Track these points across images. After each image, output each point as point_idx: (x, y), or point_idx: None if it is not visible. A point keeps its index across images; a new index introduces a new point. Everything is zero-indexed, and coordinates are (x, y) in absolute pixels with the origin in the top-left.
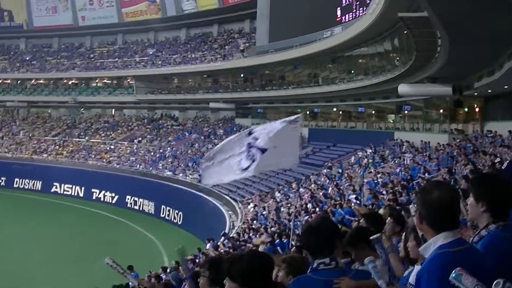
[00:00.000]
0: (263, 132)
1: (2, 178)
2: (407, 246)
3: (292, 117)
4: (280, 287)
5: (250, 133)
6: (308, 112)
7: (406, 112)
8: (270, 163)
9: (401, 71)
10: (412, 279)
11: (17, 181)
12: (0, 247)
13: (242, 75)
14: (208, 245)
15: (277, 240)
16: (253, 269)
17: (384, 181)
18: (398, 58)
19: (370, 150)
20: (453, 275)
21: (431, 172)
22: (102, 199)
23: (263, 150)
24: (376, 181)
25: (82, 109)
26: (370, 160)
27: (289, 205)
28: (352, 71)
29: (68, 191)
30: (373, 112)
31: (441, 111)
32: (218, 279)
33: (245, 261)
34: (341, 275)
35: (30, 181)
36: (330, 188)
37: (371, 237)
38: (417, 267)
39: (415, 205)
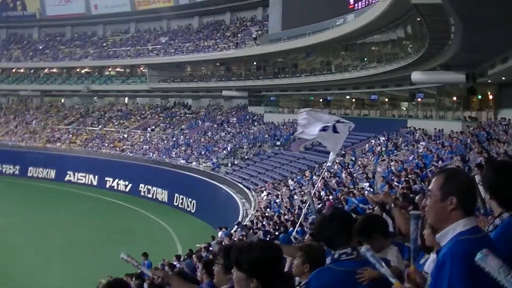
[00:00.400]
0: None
1: (16, 167)
2: (423, 234)
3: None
4: (287, 277)
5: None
6: (321, 100)
7: (419, 99)
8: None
9: (414, 59)
10: (428, 268)
11: (31, 170)
12: (14, 235)
13: (255, 63)
14: (220, 233)
15: (291, 228)
16: (262, 259)
17: (398, 169)
18: (411, 46)
19: (383, 138)
20: (479, 255)
21: (445, 160)
22: (115, 187)
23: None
24: (389, 169)
25: (95, 97)
26: (383, 148)
27: (302, 193)
28: (365, 59)
29: (82, 179)
30: (386, 99)
31: (455, 98)
32: (230, 266)
33: (254, 251)
34: (362, 265)
35: (44, 169)
36: (343, 176)
37: (412, 212)
38: (432, 255)
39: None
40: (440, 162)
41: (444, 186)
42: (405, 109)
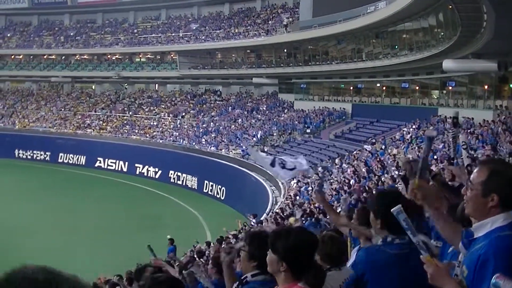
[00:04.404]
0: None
1: (47, 153)
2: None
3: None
4: (319, 268)
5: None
6: (351, 88)
7: (450, 88)
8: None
9: (445, 47)
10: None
11: (61, 156)
12: (45, 220)
13: (285, 50)
14: (252, 221)
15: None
16: (298, 246)
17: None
18: (442, 33)
19: (414, 126)
20: None
21: (476, 148)
22: (145, 174)
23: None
24: (419, 157)
25: (126, 84)
26: (414, 136)
27: (331, 181)
28: (396, 47)
29: (112, 166)
30: (417, 87)
31: (486, 87)
32: (257, 254)
33: (292, 236)
34: (413, 250)
35: (74, 156)
36: (373, 164)
37: (427, 132)
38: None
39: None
40: (470, 151)
41: (486, 182)
42: (436, 97)
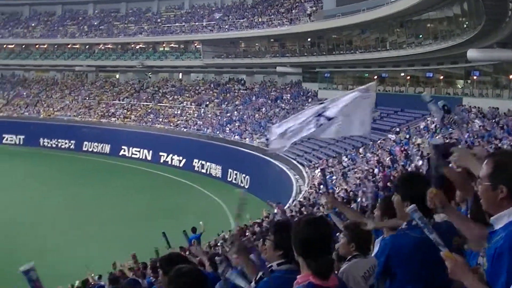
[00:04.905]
0: (333, 104)
1: (71, 142)
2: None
3: (363, 87)
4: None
5: (321, 104)
6: (375, 77)
7: (475, 77)
8: (337, 130)
9: (470, 36)
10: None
11: (86, 145)
12: (69, 207)
13: (309, 39)
14: (275, 210)
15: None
16: (308, 237)
17: None
18: (467, 23)
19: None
20: None
21: (501, 138)
22: (169, 162)
23: (329, 119)
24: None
25: (150, 73)
26: (438, 126)
27: (355, 170)
28: (421, 36)
29: (136, 154)
30: (442, 77)
31: (511, 76)
32: (283, 243)
33: (304, 227)
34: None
35: (99, 144)
36: (397, 154)
37: (432, 141)
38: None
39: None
40: (495, 140)
41: (493, 174)
42: (460, 87)
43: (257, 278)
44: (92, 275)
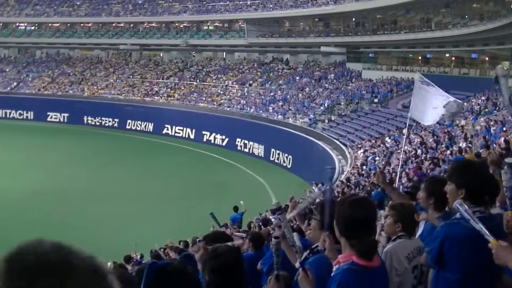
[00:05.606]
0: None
1: (115, 120)
2: None
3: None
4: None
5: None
6: (420, 58)
7: None
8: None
9: None
10: None
11: (129, 123)
12: (112, 185)
13: (353, 19)
14: (316, 189)
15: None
16: (352, 217)
17: (497, 129)
18: None
19: (483, 98)
20: None
21: None
22: (212, 141)
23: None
24: (487, 129)
25: (194, 52)
26: (483, 108)
27: (398, 151)
28: (466, 16)
29: (179, 133)
30: (487, 58)
31: None
32: (328, 223)
33: (347, 208)
34: (495, 226)
35: (142, 123)
36: (440, 135)
37: (507, 159)
38: None
39: None
40: None
41: None
42: (506, 68)
43: (302, 258)
44: (135, 253)
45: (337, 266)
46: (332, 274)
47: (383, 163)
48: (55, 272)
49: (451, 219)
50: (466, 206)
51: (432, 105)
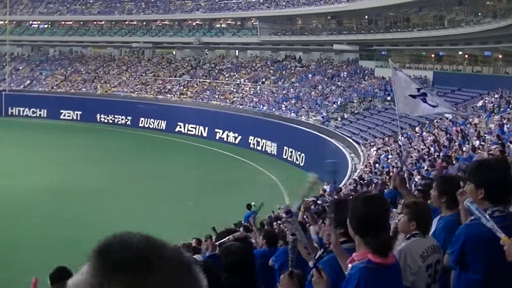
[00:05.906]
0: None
1: (128, 118)
2: None
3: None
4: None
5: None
6: (432, 55)
7: None
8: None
9: None
10: None
11: (142, 121)
12: (124, 182)
13: (366, 17)
14: (327, 188)
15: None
16: (365, 215)
17: (510, 127)
18: None
19: (496, 96)
20: None
21: None
22: (225, 139)
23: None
24: (501, 128)
25: (206, 50)
26: (496, 106)
27: (411, 149)
28: (479, 14)
29: (192, 131)
30: (500, 56)
31: None
32: (344, 221)
33: (360, 206)
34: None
35: (155, 120)
36: (453, 133)
37: None
38: None
39: None
40: None
41: None
42: None
43: (316, 257)
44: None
45: (352, 264)
46: (347, 273)
47: (399, 164)
48: (150, 265)
49: (470, 220)
50: (476, 205)
51: (409, 92)
